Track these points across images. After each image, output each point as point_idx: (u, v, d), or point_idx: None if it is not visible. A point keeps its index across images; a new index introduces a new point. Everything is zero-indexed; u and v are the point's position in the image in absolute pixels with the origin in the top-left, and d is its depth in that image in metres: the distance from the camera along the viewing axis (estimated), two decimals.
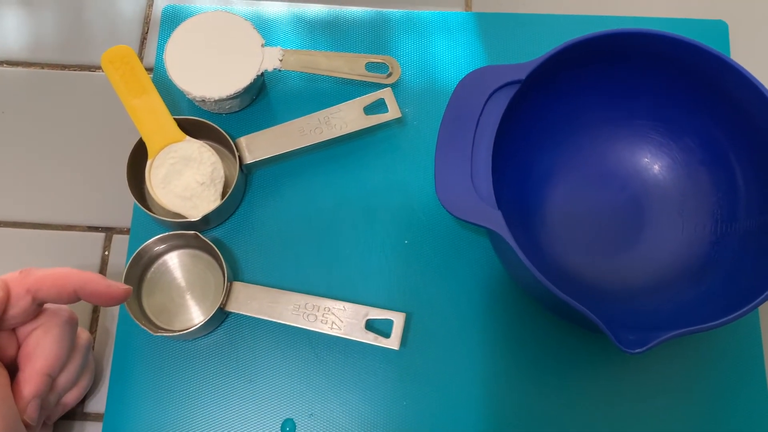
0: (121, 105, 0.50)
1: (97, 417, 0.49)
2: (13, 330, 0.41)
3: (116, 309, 0.51)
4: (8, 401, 0.38)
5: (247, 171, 0.53)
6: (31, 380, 0.40)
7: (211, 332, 0.50)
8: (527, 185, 0.52)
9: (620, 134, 0.53)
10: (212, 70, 0.52)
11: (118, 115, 0.53)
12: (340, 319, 0.48)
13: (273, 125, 0.52)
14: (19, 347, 0.41)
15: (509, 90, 0.44)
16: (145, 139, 0.50)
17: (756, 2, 0.60)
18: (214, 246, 0.49)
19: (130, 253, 0.51)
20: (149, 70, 0.56)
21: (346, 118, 0.52)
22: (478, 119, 0.44)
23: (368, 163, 0.54)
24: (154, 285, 0.51)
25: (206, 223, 0.51)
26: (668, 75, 0.48)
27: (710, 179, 0.50)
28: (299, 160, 0.54)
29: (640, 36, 0.45)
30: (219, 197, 0.51)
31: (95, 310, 0.52)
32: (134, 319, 0.47)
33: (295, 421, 0.49)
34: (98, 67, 0.57)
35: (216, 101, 0.52)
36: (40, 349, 0.40)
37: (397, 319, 0.48)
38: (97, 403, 0.49)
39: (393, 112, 0.52)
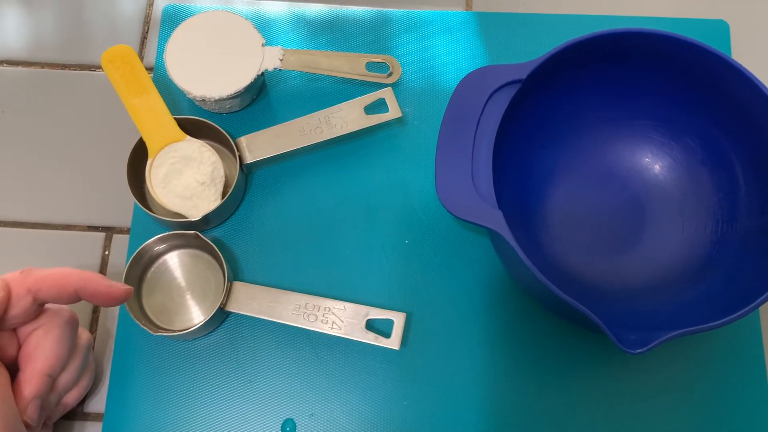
0: (122, 105, 0.50)
1: (97, 417, 0.49)
2: (14, 330, 0.41)
3: (116, 309, 0.51)
4: (9, 401, 0.38)
5: (247, 171, 0.53)
6: (31, 380, 0.40)
7: (211, 332, 0.50)
8: (528, 185, 0.52)
9: (621, 134, 0.53)
10: (212, 69, 0.51)
11: (118, 115, 0.53)
12: (340, 319, 0.48)
13: (273, 125, 0.52)
14: (19, 347, 0.41)
15: (510, 90, 0.44)
16: (145, 139, 0.50)
17: (757, 2, 0.60)
18: (214, 246, 0.49)
19: (130, 252, 0.51)
20: (149, 69, 0.56)
21: (346, 117, 0.52)
22: (479, 119, 0.44)
23: (369, 163, 0.54)
24: (154, 285, 0.51)
25: (206, 222, 0.51)
26: (669, 75, 0.48)
27: (711, 179, 0.50)
28: (299, 159, 0.54)
29: (641, 36, 0.45)
30: (219, 197, 0.51)
31: (95, 310, 0.52)
32: (134, 319, 0.47)
33: (296, 421, 0.49)
34: (98, 67, 0.57)
35: (216, 101, 0.52)
36: (41, 350, 0.40)
37: (398, 319, 0.48)
38: (97, 403, 0.49)
39: (393, 112, 0.52)
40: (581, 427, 0.49)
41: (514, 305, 0.51)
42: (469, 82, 0.44)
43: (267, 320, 0.49)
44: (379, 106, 0.53)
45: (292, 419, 0.49)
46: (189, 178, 0.50)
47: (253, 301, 0.49)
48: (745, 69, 0.44)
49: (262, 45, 0.52)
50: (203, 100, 0.52)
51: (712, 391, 0.50)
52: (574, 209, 0.52)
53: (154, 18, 0.59)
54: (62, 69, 0.57)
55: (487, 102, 0.44)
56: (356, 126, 0.52)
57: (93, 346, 0.49)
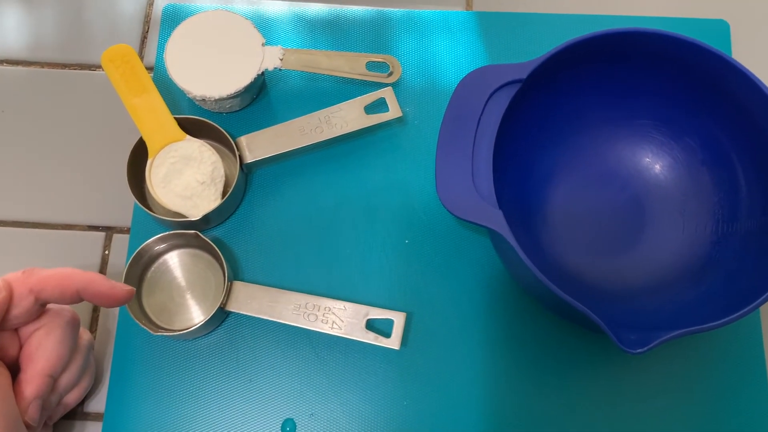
0: (122, 104, 0.50)
1: (97, 417, 0.49)
2: (16, 330, 0.41)
3: (116, 309, 0.51)
4: (10, 401, 0.38)
5: (247, 170, 0.53)
6: (32, 381, 0.40)
7: (211, 332, 0.50)
8: (528, 185, 0.52)
9: (621, 134, 0.53)
10: (213, 69, 0.51)
11: (119, 115, 0.53)
12: (340, 318, 0.48)
13: (273, 124, 0.52)
14: (21, 347, 0.41)
15: (510, 89, 0.44)
16: (145, 139, 0.50)
17: (757, 2, 0.60)
18: (214, 245, 0.49)
19: (130, 252, 0.51)
20: (149, 69, 0.56)
21: (346, 117, 0.52)
22: (479, 119, 0.44)
23: (369, 163, 0.54)
24: (154, 284, 0.51)
25: (206, 222, 0.51)
26: (669, 74, 0.48)
27: (711, 179, 0.50)
28: (300, 159, 0.54)
29: (641, 35, 0.45)
30: (219, 196, 0.51)
31: (95, 310, 0.52)
32: (134, 319, 0.47)
33: (296, 421, 0.49)
34: (98, 66, 0.57)
35: (216, 100, 0.51)
36: (42, 350, 0.40)
37: (398, 319, 0.48)
38: (98, 403, 0.49)
39: (394, 112, 0.52)
40: (581, 427, 0.49)
41: (514, 305, 0.51)
42: (469, 82, 0.44)
43: (267, 320, 0.49)
44: (379, 105, 0.53)
45: (292, 419, 0.49)
46: (189, 178, 0.50)
47: (253, 301, 0.49)
48: (746, 69, 0.44)
49: (262, 44, 0.52)
50: (203, 100, 0.52)
51: (712, 391, 0.50)
52: (574, 209, 0.52)
53: (154, 17, 0.59)
54: (62, 69, 0.57)
55: (487, 102, 0.44)
56: (356, 126, 0.52)
57: (93, 346, 0.49)
